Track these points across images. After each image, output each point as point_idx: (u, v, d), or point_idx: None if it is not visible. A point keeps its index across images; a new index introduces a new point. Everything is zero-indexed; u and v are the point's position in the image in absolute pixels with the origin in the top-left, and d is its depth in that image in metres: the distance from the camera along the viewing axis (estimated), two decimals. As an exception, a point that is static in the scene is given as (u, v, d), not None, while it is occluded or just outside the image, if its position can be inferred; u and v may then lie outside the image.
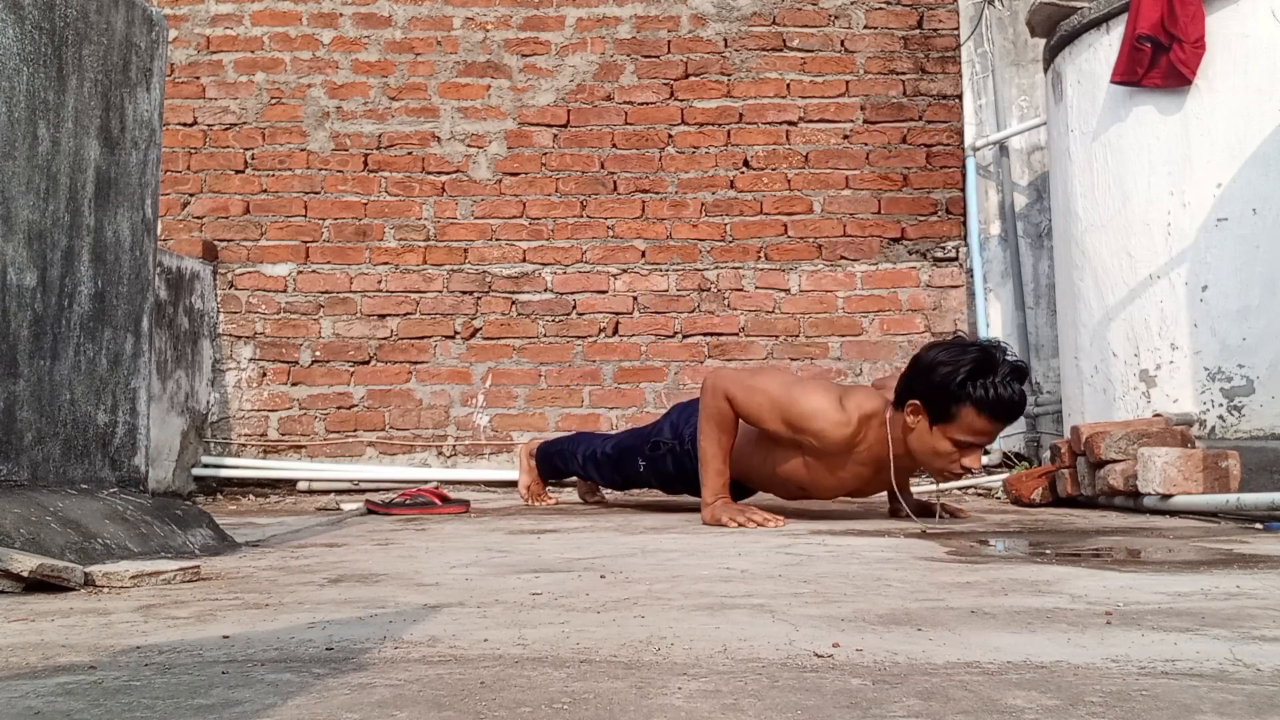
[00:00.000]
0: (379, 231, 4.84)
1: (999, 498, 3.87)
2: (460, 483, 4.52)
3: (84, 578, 1.57)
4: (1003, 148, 4.79)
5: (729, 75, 4.88)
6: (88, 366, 2.20)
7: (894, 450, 2.70)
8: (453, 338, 4.78)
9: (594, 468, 3.58)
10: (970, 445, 2.61)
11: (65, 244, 2.13)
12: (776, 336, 4.74)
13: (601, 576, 1.68)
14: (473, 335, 4.78)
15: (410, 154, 4.87)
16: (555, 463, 3.77)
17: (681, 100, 4.88)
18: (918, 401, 2.61)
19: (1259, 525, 2.58)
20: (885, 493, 3.14)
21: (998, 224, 4.79)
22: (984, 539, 2.33)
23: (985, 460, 4.51)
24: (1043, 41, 4.10)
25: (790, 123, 4.86)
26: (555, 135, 4.88)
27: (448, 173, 4.86)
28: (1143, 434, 3.12)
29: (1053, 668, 1.00)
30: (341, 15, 4.93)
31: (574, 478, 3.98)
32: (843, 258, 4.78)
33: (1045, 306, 4.66)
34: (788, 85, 4.88)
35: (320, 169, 4.86)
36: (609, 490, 3.86)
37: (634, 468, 3.37)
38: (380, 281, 4.81)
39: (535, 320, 4.78)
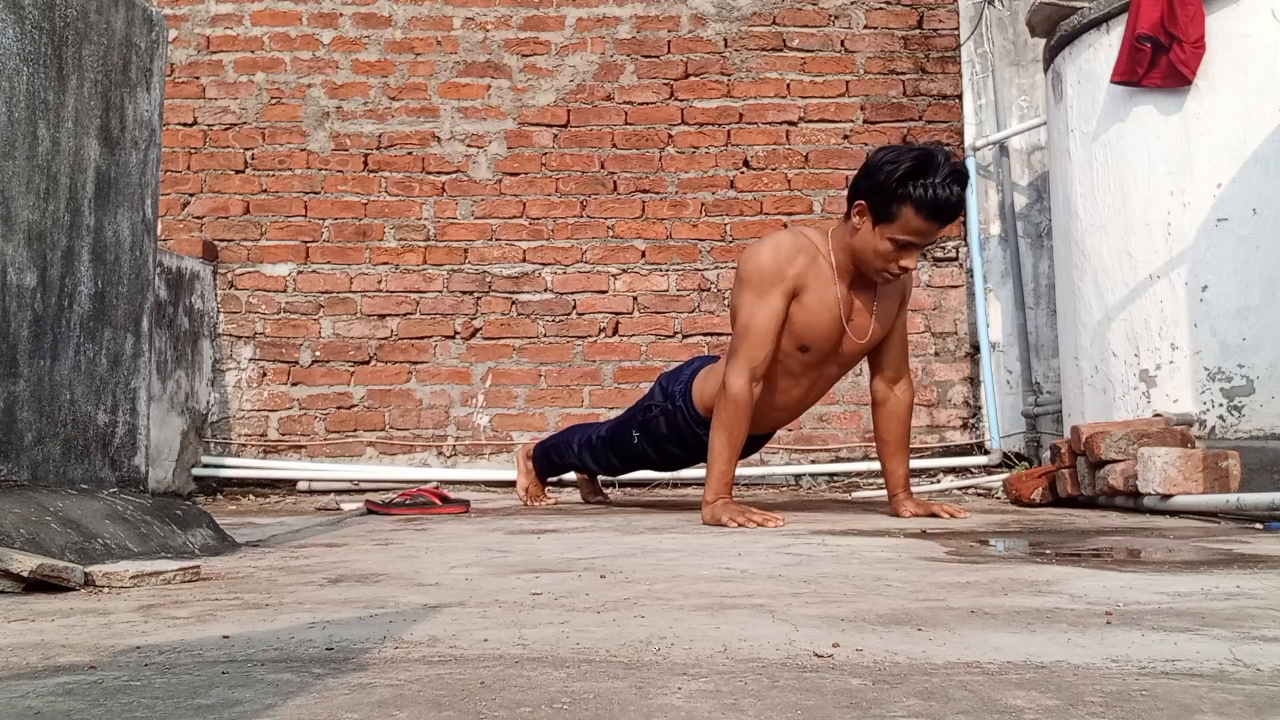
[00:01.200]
0: (379, 231, 4.84)
1: (999, 498, 3.87)
2: (460, 483, 4.52)
3: (84, 578, 1.57)
4: (1003, 148, 4.79)
5: (729, 75, 4.88)
6: (88, 366, 2.20)
7: (852, 256, 2.80)
8: (453, 338, 4.78)
9: (589, 454, 3.58)
10: (908, 245, 2.71)
11: (65, 244, 2.13)
12: (776, 336, 4.73)
13: (601, 576, 1.68)
14: (473, 335, 4.78)
15: (410, 154, 4.88)
16: (552, 457, 3.77)
17: (681, 100, 4.88)
18: (863, 202, 2.72)
19: (1259, 525, 2.58)
20: (886, 492, 3.14)
21: (998, 224, 4.79)
22: (984, 539, 2.33)
23: (985, 460, 4.52)
24: (1043, 41, 4.10)
25: (790, 123, 4.86)
26: (555, 135, 4.88)
27: (448, 173, 4.87)
28: (1143, 434, 3.12)
29: (1053, 668, 1.00)
30: (341, 15, 4.94)
31: (574, 476, 3.98)
32: (843, 258, 4.77)
33: (1045, 306, 4.66)
34: (788, 85, 4.88)
35: (320, 169, 4.87)
36: (609, 486, 3.86)
37: (629, 442, 3.38)
38: (380, 281, 4.81)
39: (535, 320, 4.78)
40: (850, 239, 2.79)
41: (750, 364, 2.80)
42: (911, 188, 2.62)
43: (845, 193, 4.77)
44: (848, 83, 4.88)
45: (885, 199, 2.66)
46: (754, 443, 3.33)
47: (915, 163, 2.62)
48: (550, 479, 3.96)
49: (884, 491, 3.34)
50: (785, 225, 4.79)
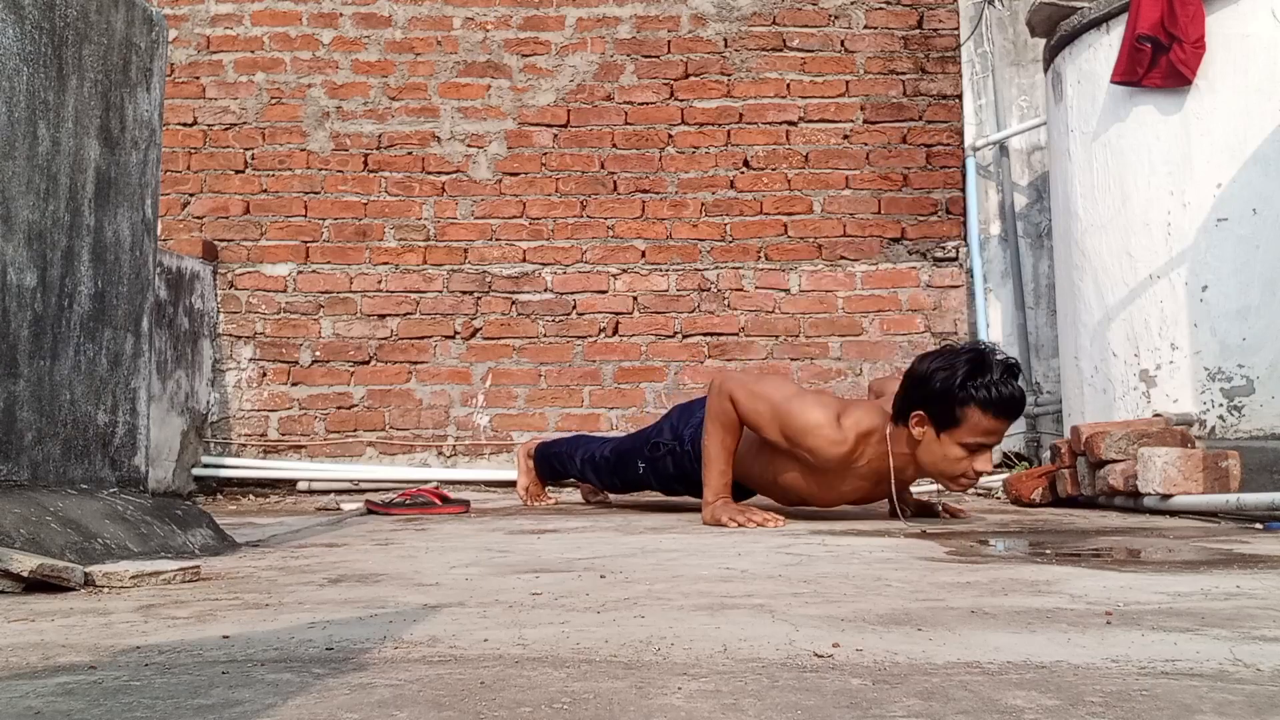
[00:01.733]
0: (379, 231, 4.84)
1: (999, 498, 3.87)
2: (460, 483, 4.52)
3: (84, 578, 1.57)
4: (1003, 148, 4.79)
5: (729, 75, 4.88)
6: (88, 366, 2.20)
7: (894, 464, 2.69)
8: (453, 338, 4.78)
9: (592, 471, 3.57)
10: (980, 447, 2.61)
11: (65, 244, 2.13)
12: (776, 336, 4.74)
13: (601, 576, 1.68)
14: (473, 335, 4.78)
15: (410, 154, 4.88)
16: (553, 464, 3.77)
17: (681, 100, 4.88)
18: (921, 412, 2.61)
19: (1259, 525, 2.58)
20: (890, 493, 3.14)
21: (998, 224, 4.79)
22: (984, 539, 2.33)
23: (986, 461, 4.51)
24: (1043, 41, 4.10)
25: (790, 123, 4.86)
26: (555, 135, 4.88)
27: (448, 173, 4.86)
28: (1143, 434, 3.12)
29: (1053, 668, 1.00)
30: (341, 15, 4.93)
31: (574, 480, 3.98)
32: (843, 258, 4.78)
33: (1045, 306, 4.66)
34: (788, 85, 4.88)
35: (320, 169, 4.86)
36: (611, 493, 3.86)
37: (633, 470, 3.37)
38: (380, 281, 4.81)
39: (535, 320, 4.78)
40: (915, 452, 2.66)
41: (737, 410, 2.81)
42: (974, 390, 2.53)
43: (845, 193, 4.79)
44: (848, 83, 4.88)
45: (948, 405, 2.56)
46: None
47: (971, 365, 2.55)
48: (550, 481, 3.96)
49: (884, 492, 3.33)
50: (785, 225, 4.79)
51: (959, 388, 2.54)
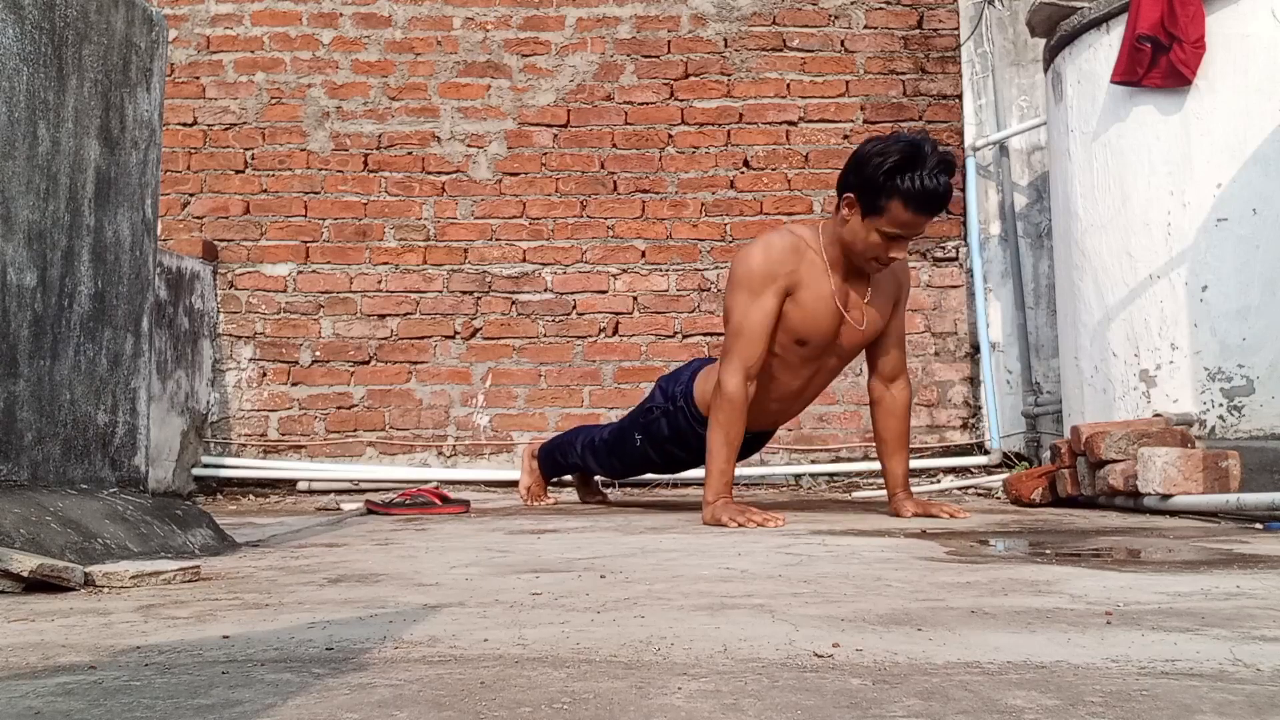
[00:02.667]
0: (379, 231, 4.84)
1: (999, 498, 3.87)
2: (460, 483, 4.52)
3: (84, 578, 1.57)
4: (1003, 148, 4.79)
5: (729, 75, 4.88)
6: (88, 366, 2.20)
7: (842, 249, 2.83)
8: (453, 338, 4.78)
9: (592, 455, 3.59)
10: (897, 237, 2.73)
11: (65, 244, 2.13)
12: (776, 336, 4.73)
13: (601, 576, 1.68)
14: (473, 335, 4.78)
15: (410, 154, 4.88)
16: (556, 457, 3.77)
17: (681, 100, 4.88)
18: (851, 195, 2.73)
19: (1259, 525, 2.58)
20: (886, 492, 3.14)
21: (998, 224, 4.79)
22: (984, 539, 2.33)
23: (985, 460, 4.52)
24: (1043, 41, 4.10)
25: (790, 123, 4.86)
26: (555, 135, 4.88)
27: (448, 173, 4.86)
28: (1143, 434, 3.12)
29: (1053, 668, 1.00)
30: (341, 15, 4.94)
31: (571, 476, 3.98)
32: (843, 258, 4.78)
33: (1045, 306, 4.66)
34: (788, 85, 4.88)
35: (320, 169, 4.87)
36: (608, 487, 3.87)
37: (630, 444, 3.39)
38: (380, 281, 4.81)
39: (535, 320, 4.78)
40: (840, 230, 2.81)
41: (744, 363, 2.81)
42: (899, 181, 2.63)
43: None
44: (848, 83, 4.88)
45: (873, 192, 2.68)
46: (754, 441, 3.33)
47: (902, 155, 2.63)
48: (552, 480, 3.97)
49: (884, 491, 3.34)
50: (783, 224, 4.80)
51: (885, 176, 2.63)
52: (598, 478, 3.99)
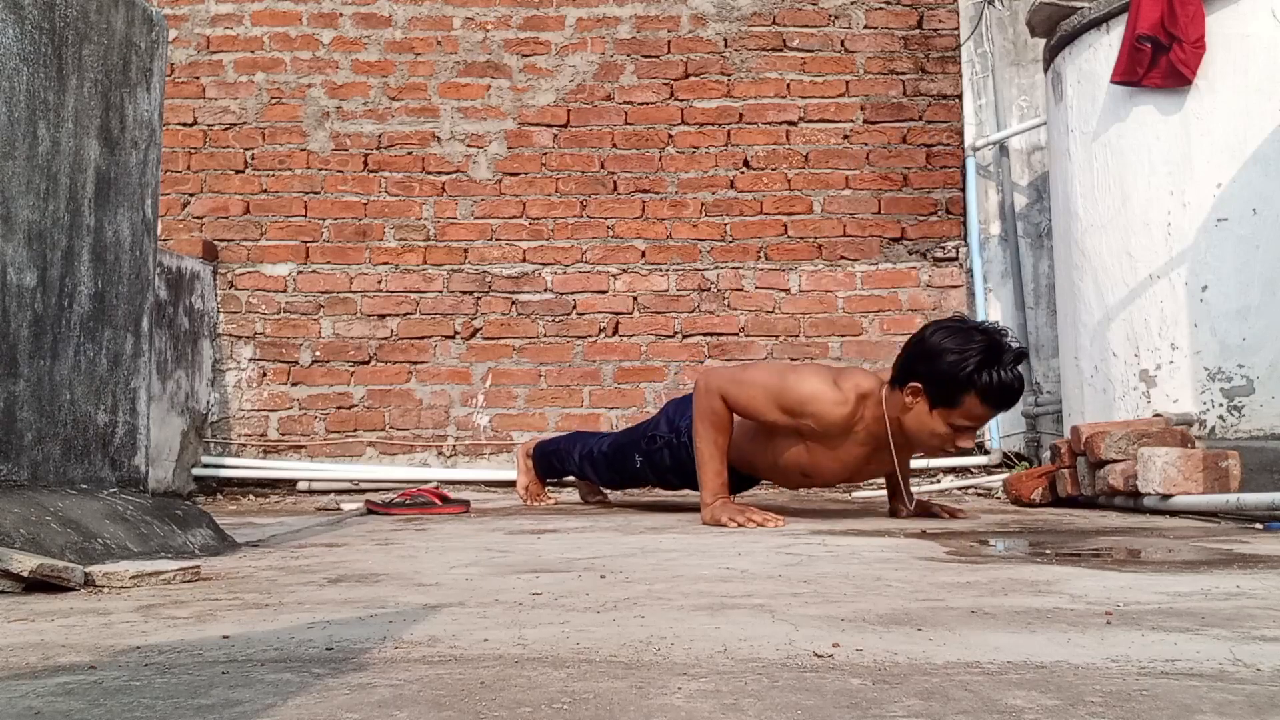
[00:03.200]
0: (379, 231, 4.84)
1: (999, 498, 3.87)
2: (460, 483, 4.52)
3: (84, 578, 1.57)
4: (1003, 148, 4.79)
5: (729, 75, 4.88)
6: (88, 366, 2.20)
7: (891, 428, 2.71)
8: (453, 338, 4.78)
9: (590, 467, 3.58)
10: (967, 428, 2.65)
11: (65, 244, 2.13)
12: (776, 336, 4.74)
13: (601, 576, 1.68)
14: (473, 335, 4.78)
15: (410, 154, 4.88)
16: (552, 462, 3.77)
17: (681, 100, 4.88)
18: (919, 385, 2.62)
19: (1259, 525, 2.58)
20: (886, 492, 3.14)
21: (998, 224, 4.79)
22: (984, 539, 2.33)
23: (985, 460, 4.52)
24: (1043, 41, 4.10)
25: (790, 123, 4.86)
26: (555, 135, 4.88)
27: (448, 173, 4.86)
28: (1143, 434, 3.12)
29: (1053, 668, 1.00)
30: (341, 15, 4.93)
31: (574, 477, 3.98)
32: (843, 258, 4.78)
33: (1045, 306, 4.66)
34: (788, 85, 4.88)
35: (320, 169, 4.86)
36: (609, 490, 3.86)
37: (630, 465, 3.37)
38: (380, 281, 4.81)
39: (535, 320, 4.78)
40: (903, 417, 2.67)
41: (728, 401, 2.82)
42: (978, 378, 2.53)
43: (845, 193, 4.79)
44: (848, 83, 4.88)
45: (948, 387, 2.57)
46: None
47: (984, 354, 2.54)
48: (550, 480, 3.97)
49: (884, 491, 3.34)
50: (785, 225, 4.79)
51: (965, 376, 2.54)
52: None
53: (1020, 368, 2.60)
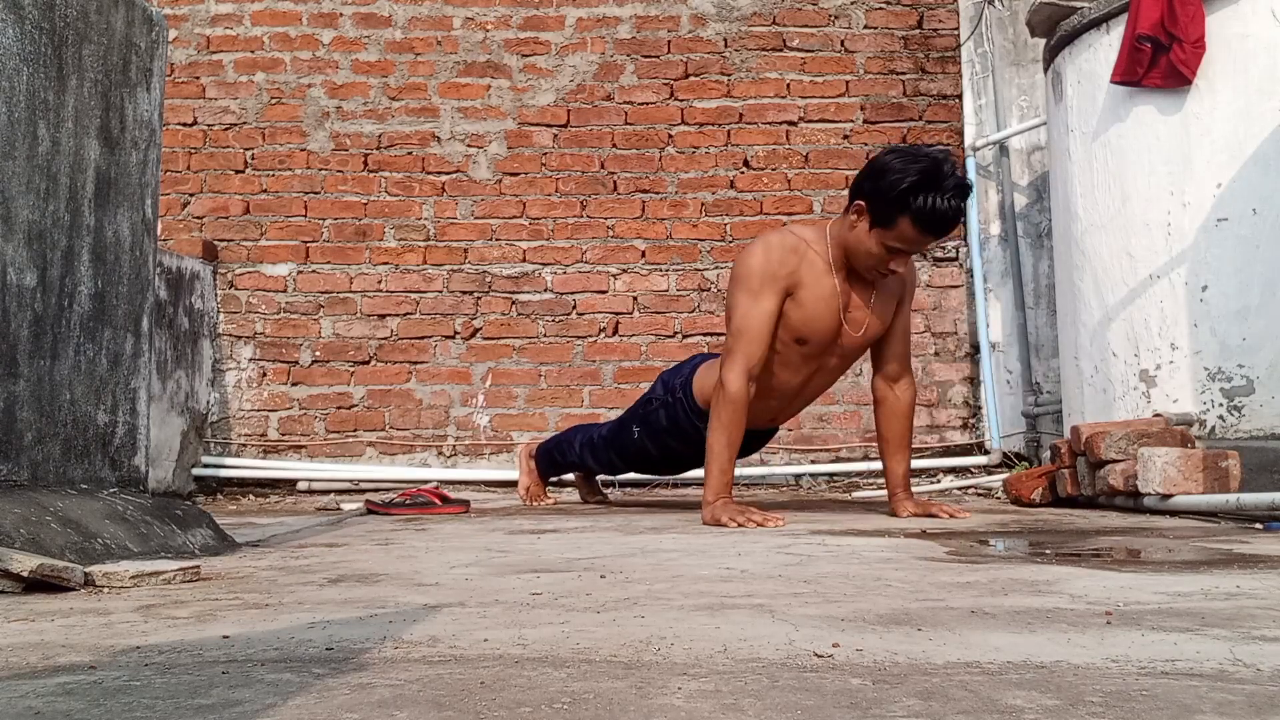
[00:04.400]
0: (379, 231, 4.84)
1: (999, 498, 3.87)
2: (460, 483, 4.52)
3: (84, 578, 1.57)
4: (1003, 148, 4.79)
5: (729, 75, 4.88)
6: (88, 366, 2.20)
7: (847, 253, 2.82)
8: (453, 338, 4.78)
9: (590, 453, 3.59)
10: (900, 251, 2.74)
11: (65, 244, 2.13)
12: (776, 336, 4.74)
13: (601, 576, 1.68)
14: (473, 335, 4.78)
15: (410, 154, 4.88)
16: (555, 456, 3.77)
17: (681, 100, 4.88)
18: (863, 203, 2.73)
19: (1259, 525, 2.58)
20: (885, 492, 3.14)
21: (998, 224, 4.79)
22: (984, 539, 2.33)
23: (985, 460, 4.52)
24: (1043, 41, 4.10)
25: (790, 123, 4.86)
26: (555, 135, 4.88)
27: (448, 173, 4.87)
28: (1143, 434, 3.12)
29: (1053, 668, 1.00)
30: (341, 15, 4.94)
31: (573, 476, 3.98)
32: (843, 258, 4.78)
33: (1045, 306, 4.66)
34: (788, 85, 4.88)
35: (320, 169, 4.87)
36: (609, 486, 3.86)
37: (629, 437, 3.40)
38: (380, 281, 4.81)
39: (535, 320, 4.78)
40: (846, 235, 2.81)
41: (746, 363, 2.82)
42: (913, 199, 2.62)
43: (846, 192, 4.79)
44: (848, 83, 4.88)
45: (885, 205, 2.67)
46: (755, 440, 3.33)
47: (921, 175, 2.62)
48: (552, 479, 3.97)
49: (884, 491, 3.34)
50: (784, 224, 4.80)
51: (900, 193, 2.63)
52: (599, 477, 3.99)
53: (962, 200, 2.66)
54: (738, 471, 4.46)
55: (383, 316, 4.79)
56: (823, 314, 2.89)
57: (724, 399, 2.82)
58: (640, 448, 3.41)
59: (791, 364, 2.97)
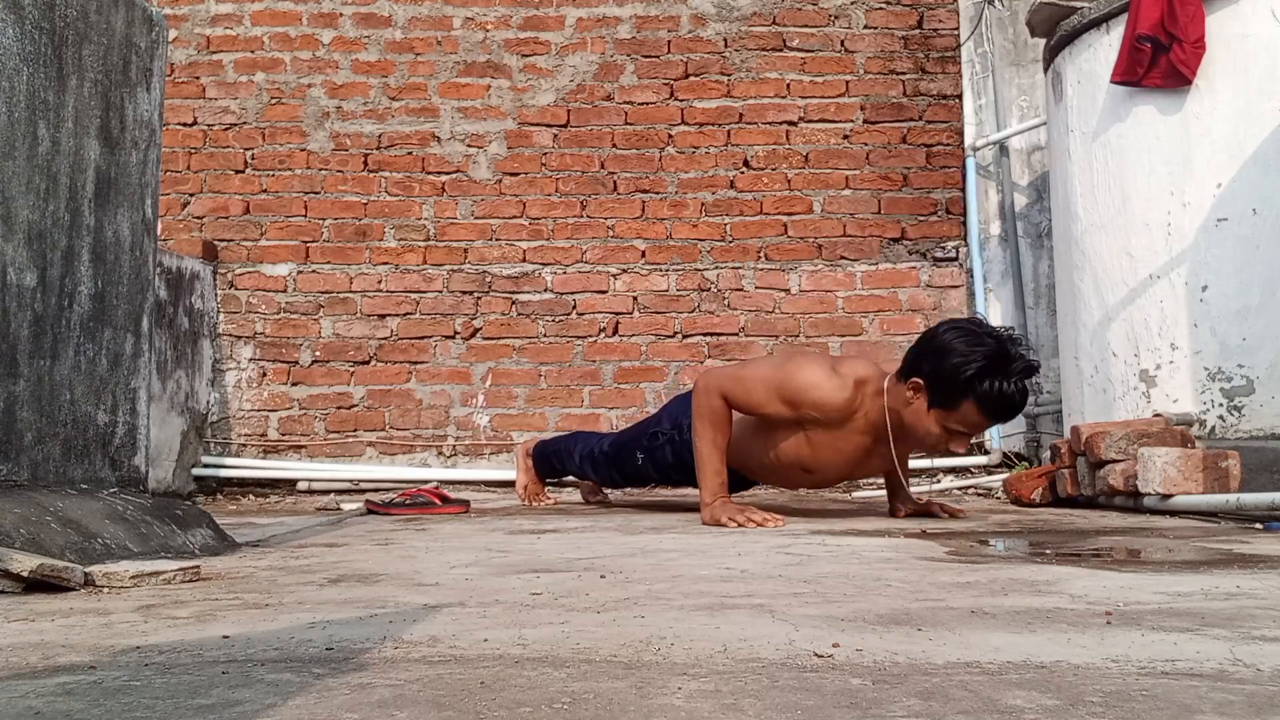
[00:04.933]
0: (379, 231, 4.84)
1: (999, 498, 3.87)
2: (460, 483, 4.52)
3: (84, 578, 1.57)
4: (1003, 148, 4.79)
5: (729, 75, 4.88)
6: (88, 366, 2.20)
7: (891, 420, 2.68)
8: (453, 338, 4.78)
9: (590, 467, 3.57)
10: (961, 434, 2.60)
11: (65, 244, 2.13)
12: (776, 336, 4.74)
13: (601, 576, 1.68)
14: (473, 335, 4.78)
15: (410, 154, 4.88)
16: (552, 463, 3.77)
17: (681, 100, 4.88)
18: (921, 381, 2.58)
19: (1259, 525, 2.58)
20: (886, 492, 3.14)
21: (998, 224, 4.79)
22: (984, 539, 2.33)
23: (985, 460, 4.52)
24: (1043, 41, 4.10)
25: (790, 123, 4.86)
26: (555, 135, 4.88)
27: (448, 173, 4.86)
28: (1143, 434, 3.12)
29: (1053, 668, 1.00)
30: (341, 15, 4.93)
31: (574, 477, 3.98)
32: (843, 258, 4.78)
33: (1045, 306, 4.66)
34: (788, 85, 4.88)
35: (320, 169, 4.86)
36: (611, 490, 3.86)
37: (632, 462, 3.36)
38: (380, 281, 4.81)
39: (535, 320, 4.78)
40: (902, 410, 2.64)
41: (728, 399, 2.82)
42: (979, 385, 2.48)
43: (846, 193, 4.79)
44: (848, 83, 4.88)
45: (949, 390, 2.53)
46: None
47: (987, 361, 2.48)
48: (550, 479, 3.96)
49: (884, 492, 3.34)
50: (785, 225, 4.80)
51: (965, 381, 2.49)
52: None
53: (1029, 381, 2.53)
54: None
55: (383, 316, 4.79)
56: (834, 463, 2.83)
57: (706, 411, 2.82)
58: (645, 473, 3.39)
59: (798, 469, 2.93)
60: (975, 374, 2.48)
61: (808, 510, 3.26)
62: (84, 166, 2.19)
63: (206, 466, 4.57)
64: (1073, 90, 3.76)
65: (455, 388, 4.76)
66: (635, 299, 4.79)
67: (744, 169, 4.84)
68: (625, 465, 3.41)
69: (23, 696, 0.92)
